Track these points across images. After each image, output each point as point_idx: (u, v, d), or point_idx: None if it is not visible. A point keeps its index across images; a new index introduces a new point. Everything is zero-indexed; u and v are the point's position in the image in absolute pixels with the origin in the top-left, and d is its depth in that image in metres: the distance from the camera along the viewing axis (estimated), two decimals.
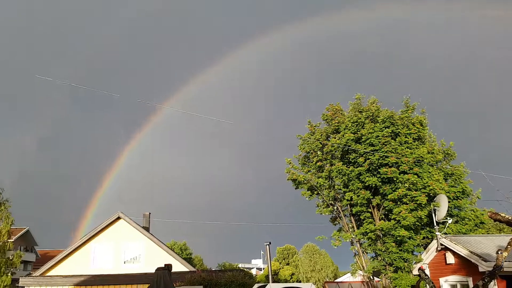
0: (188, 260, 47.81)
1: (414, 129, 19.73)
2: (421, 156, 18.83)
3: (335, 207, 21.05)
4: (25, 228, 57.54)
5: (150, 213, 31.74)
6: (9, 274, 33.93)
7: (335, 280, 36.52)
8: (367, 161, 19.01)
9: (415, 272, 18.28)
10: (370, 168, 19.10)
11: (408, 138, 19.44)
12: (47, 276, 23.27)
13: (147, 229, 28.61)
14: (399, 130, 19.47)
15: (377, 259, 19.43)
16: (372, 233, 18.81)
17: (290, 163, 21.52)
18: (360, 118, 20.04)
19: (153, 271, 10.48)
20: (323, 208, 21.05)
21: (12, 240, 38.71)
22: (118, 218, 25.59)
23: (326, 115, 21.67)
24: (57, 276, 22.50)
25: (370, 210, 19.63)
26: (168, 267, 9.06)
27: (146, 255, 25.01)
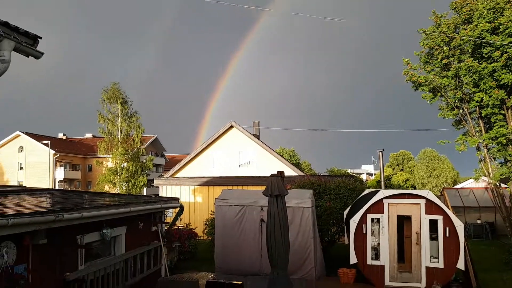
0: (297, 165, 49.44)
1: None
2: None
3: (461, 110, 18.88)
4: (153, 136, 64.79)
5: (259, 122, 32.93)
6: (145, 175, 39.67)
7: (455, 186, 34.54)
8: (505, 55, 16.15)
9: None
10: (508, 64, 16.31)
11: None
12: (175, 177, 26.31)
13: (257, 136, 29.82)
14: None
15: (506, 165, 17.50)
16: (503, 137, 16.68)
17: (408, 63, 19.39)
18: (499, 3, 16.74)
19: (265, 174, 10.82)
20: (447, 111, 19.01)
21: (144, 147, 44.16)
22: (231, 127, 27.09)
23: (455, 3, 18.46)
24: (184, 177, 25.06)
25: (503, 111, 17.20)
26: (281, 173, 9.54)
27: (258, 160, 26.42)
